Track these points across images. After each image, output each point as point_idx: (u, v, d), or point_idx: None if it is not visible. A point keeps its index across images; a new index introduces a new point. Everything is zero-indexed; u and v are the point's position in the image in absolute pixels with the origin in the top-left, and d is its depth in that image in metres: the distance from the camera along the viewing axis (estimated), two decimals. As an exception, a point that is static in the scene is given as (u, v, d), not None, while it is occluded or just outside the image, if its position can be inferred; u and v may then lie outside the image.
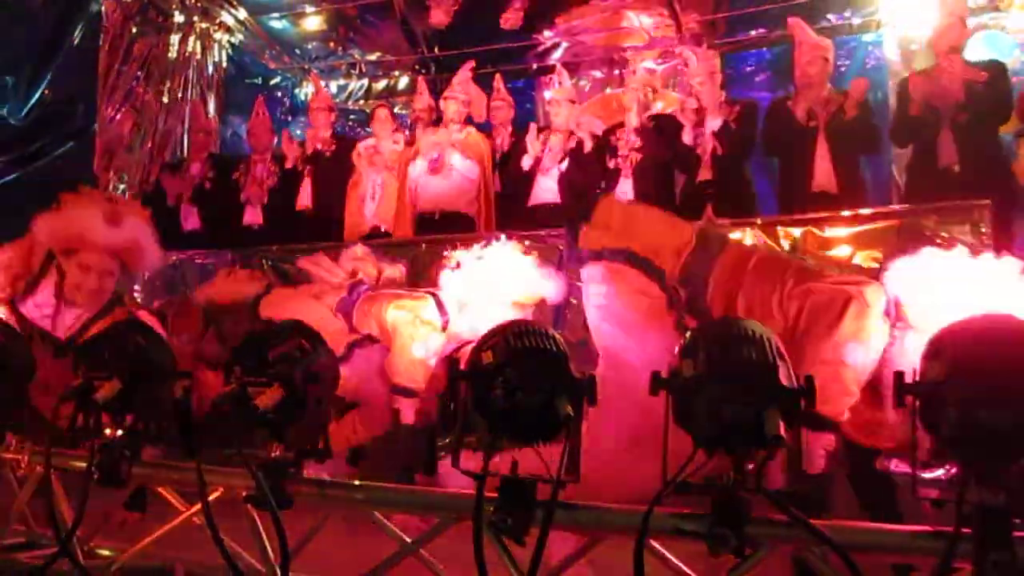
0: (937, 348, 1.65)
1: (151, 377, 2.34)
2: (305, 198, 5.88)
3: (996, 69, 4.35)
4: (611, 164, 5.13)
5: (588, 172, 5.22)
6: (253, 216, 6.00)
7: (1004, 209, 3.97)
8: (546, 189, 5.31)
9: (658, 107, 6.08)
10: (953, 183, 4.18)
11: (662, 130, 5.17)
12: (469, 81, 5.79)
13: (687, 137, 4.92)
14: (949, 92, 4.19)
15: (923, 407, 1.62)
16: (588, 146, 5.24)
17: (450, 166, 5.43)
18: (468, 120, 5.72)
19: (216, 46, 7.87)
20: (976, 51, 5.48)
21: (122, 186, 6.86)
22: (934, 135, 4.29)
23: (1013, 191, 4.25)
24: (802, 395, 1.68)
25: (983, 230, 3.78)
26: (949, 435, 1.57)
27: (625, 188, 5.02)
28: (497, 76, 6.04)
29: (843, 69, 6.45)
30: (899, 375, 1.64)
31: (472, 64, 5.84)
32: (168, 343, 2.56)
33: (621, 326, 2.96)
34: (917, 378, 1.63)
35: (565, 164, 5.26)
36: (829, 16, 6.75)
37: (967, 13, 4.34)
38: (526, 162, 5.32)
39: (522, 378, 1.83)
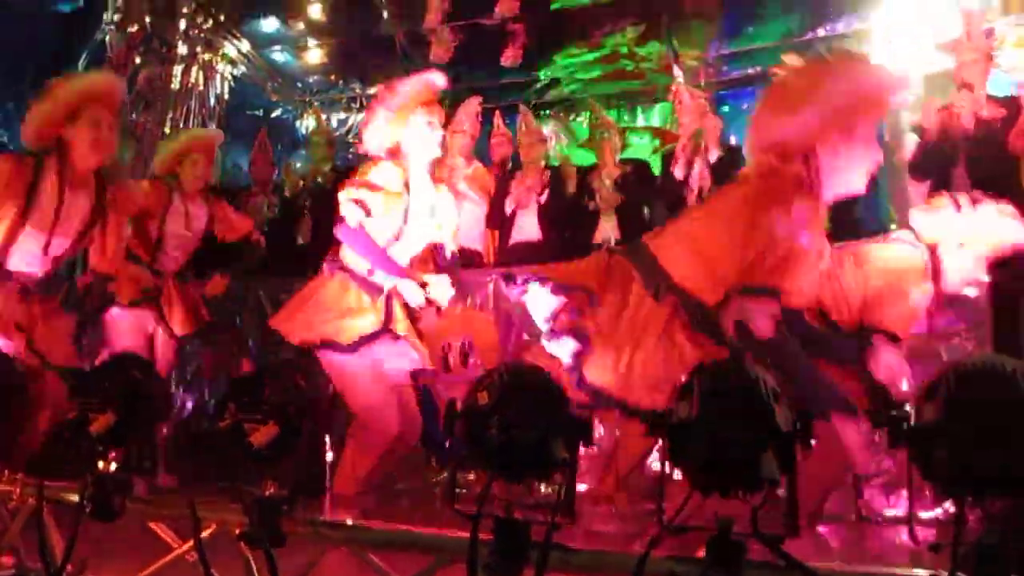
0: (933, 390, 1.66)
1: (146, 411, 2.33)
2: (305, 231, 5.90)
3: (1014, 106, 4.36)
4: (590, 205, 5.18)
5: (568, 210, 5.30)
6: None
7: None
8: (527, 225, 5.34)
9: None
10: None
11: (637, 175, 5.27)
12: (475, 115, 5.80)
13: (679, 172, 5.00)
14: (965, 127, 4.20)
15: (919, 449, 1.63)
16: (571, 186, 5.32)
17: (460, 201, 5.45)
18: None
19: (219, 77, 7.94)
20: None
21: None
22: (949, 169, 4.29)
23: None
24: (798, 438, 1.68)
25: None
26: (946, 476, 1.58)
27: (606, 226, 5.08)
28: (497, 112, 6.08)
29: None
30: (894, 419, 1.65)
31: (479, 99, 5.88)
32: (163, 379, 2.56)
33: None
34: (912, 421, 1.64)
35: (544, 198, 5.30)
36: (822, 52, 6.82)
37: (992, 49, 4.35)
38: (508, 206, 5.36)
39: (518, 417, 1.83)
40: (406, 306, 3.40)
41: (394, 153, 3.43)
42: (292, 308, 3.47)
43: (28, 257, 3.35)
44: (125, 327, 4.42)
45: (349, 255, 3.43)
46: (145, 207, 4.33)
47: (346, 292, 3.36)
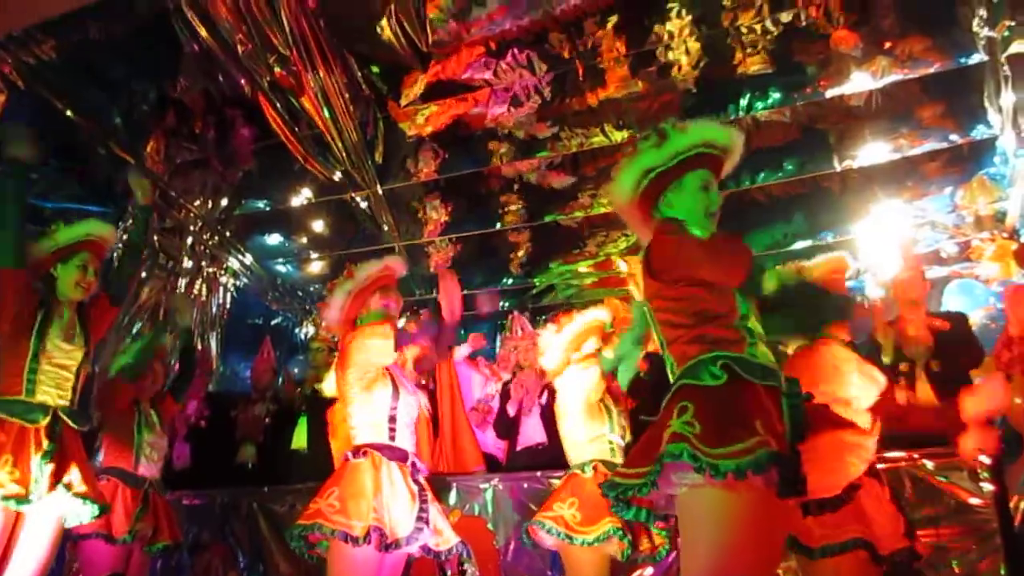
0: None
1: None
2: (300, 438, 5.86)
3: (957, 319, 4.48)
4: None
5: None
6: (246, 455, 5.94)
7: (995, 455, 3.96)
8: (531, 429, 5.31)
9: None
10: (936, 429, 4.17)
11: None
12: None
13: None
14: (918, 340, 4.28)
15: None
16: None
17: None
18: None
19: (221, 289, 8.15)
20: (952, 299, 5.74)
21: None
22: (912, 382, 4.33)
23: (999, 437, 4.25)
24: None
25: (983, 475, 3.77)
26: None
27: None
28: (517, 316, 6.18)
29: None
30: None
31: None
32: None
33: None
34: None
35: (544, 400, 5.30)
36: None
37: (921, 273, 4.53)
38: (511, 409, 5.36)
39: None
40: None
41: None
42: None
43: None
44: (108, 556, 4.30)
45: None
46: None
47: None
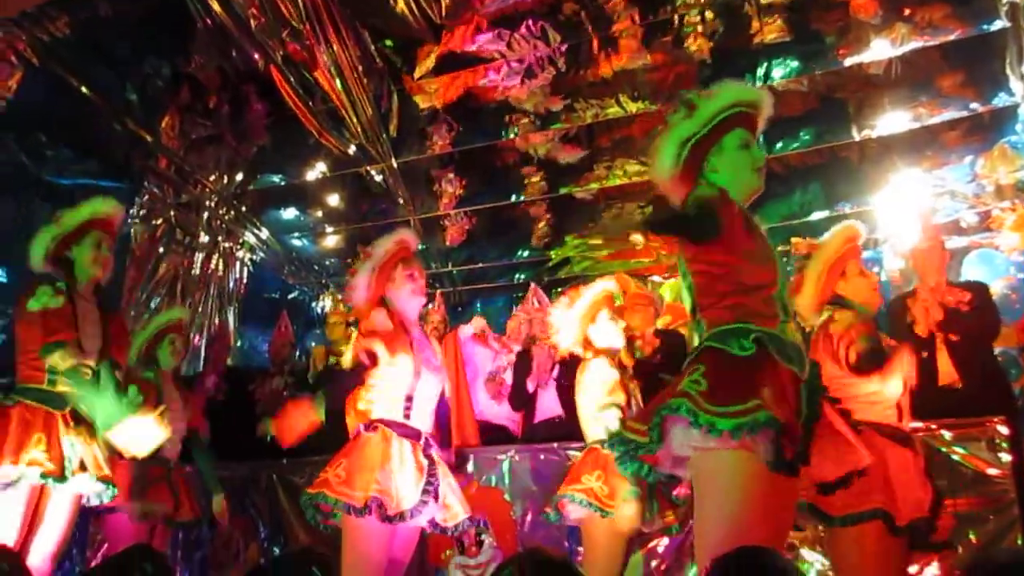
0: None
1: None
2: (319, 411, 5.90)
3: (977, 289, 4.44)
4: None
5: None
6: (267, 429, 5.99)
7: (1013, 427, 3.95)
8: (547, 402, 5.33)
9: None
10: (956, 401, 4.15)
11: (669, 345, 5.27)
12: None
13: None
14: (935, 313, 4.25)
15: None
16: None
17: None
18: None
19: (238, 264, 8.20)
20: (971, 269, 5.67)
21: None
22: (932, 354, 4.30)
23: (1017, 410, 4.23)
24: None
25: (1001, 445, 3.76)
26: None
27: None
28: (535, 288, 6.17)
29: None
30: None
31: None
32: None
33: None
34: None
35: (556, 373, 5.32)
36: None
37: (941, 243, 4.48)
38: (530, 385, 5.37)
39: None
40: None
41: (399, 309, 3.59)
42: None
43: None
44: (130, 529, 4.39)
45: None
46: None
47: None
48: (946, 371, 4.17)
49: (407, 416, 3.44)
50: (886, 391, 3.26)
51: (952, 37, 5.47)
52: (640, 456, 2.36)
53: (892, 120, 6.03)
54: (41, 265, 3.59)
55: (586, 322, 4.11)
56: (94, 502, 3.60)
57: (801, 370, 2.29)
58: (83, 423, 3.49)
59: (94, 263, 3.62)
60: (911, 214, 5.34)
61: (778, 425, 2.12)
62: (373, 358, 3.42)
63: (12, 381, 3.54)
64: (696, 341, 2.42)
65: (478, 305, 8.23)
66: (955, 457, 3.82)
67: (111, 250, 3.69)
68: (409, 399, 3.46)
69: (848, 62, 5.80)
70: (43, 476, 3.29)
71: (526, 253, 7.80)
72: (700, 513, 2.29)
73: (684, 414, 2.16)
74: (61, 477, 3.32)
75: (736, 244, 2.35)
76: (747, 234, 2.38)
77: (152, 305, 7.18)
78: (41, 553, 3.41)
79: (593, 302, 4.14)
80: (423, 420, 3.50)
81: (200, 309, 7.66)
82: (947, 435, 3.89)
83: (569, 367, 5.22)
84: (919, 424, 3.85)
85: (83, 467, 3.42)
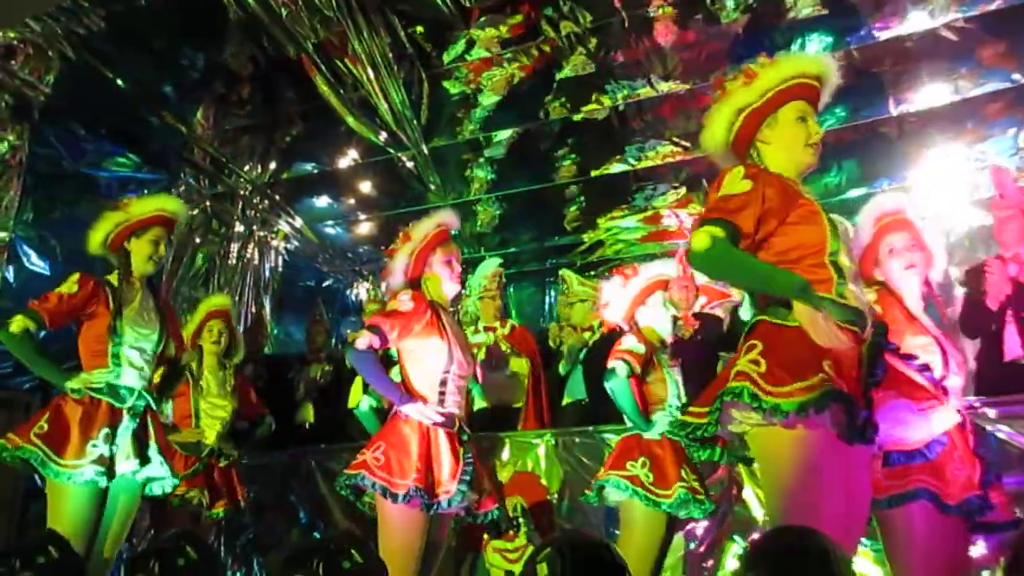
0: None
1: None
2: (356, 397, 5.95)
3: None
4: None
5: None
6: (306, 416, 6.07)
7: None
8: (575, 385, 5.32)
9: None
10: (1021, 379, 4.02)
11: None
12: (493, 277, 5.85)
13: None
14: (1004, 287, 4.12)
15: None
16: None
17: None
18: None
19: (273, 252, 8.27)
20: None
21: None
22: (1000, 328, 4.20)
23: None
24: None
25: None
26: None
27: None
28: (570, 273, 6.15)
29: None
30: None
31: (498, 261, 6.02)
32: (216, 558, 2.55)
33: None
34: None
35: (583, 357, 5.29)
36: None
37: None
38: (563, 368, 5.36)
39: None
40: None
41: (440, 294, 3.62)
42: None
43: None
44: (175, 516, 4.47)
45: None
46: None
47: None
48: (1013, 346, 4.07)
49: (441, 402, 3.45)
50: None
51: (992, 7, 5.33)
52: (702, 439, 2.35)
53: (931, 93, 5.89)
54: (99, 249, 3.71)
55: (637, 303, 4.08)
56: (156, 492, 3.69)
57: (860, 328, 2.25)
58: (148, 411, 3.58)
59: (148, 260, 3.69)
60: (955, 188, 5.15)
61: (845, 397, 2.09)
62: (381, 334, 3.39)
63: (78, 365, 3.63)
64: (748, 316, 2.40)
65: (511, 289, 8.22)
66: (1000, 435, 3.75)
67: (167, 250, 3.78)
68: (444, 383, 3.47)
69: (884, 36, 5.68)
70: (101, 470, 3.37)
71: (558, 237, 7.78)
72: (770, 493, 2.27)
73: (747, 400, 2.13)
74: (135, 471, 3.49)
75: (773, 219, 2.30)
76: (786, 206, 2.32)
77: (189, 294, 7.27)
78: (108, 539, 3.50)
79: (648, 284, 4.10)
80: (456, 404, 3.51)
81: (236, 298, 7.74)
82: (991, 412, 3.81)
83: (593, 352, 5.22)
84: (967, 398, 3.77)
85: (147, 457, 3.51)
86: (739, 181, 2.33)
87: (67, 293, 3.53)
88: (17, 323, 3.44)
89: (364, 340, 3.35)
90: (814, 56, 2.56)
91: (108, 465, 3.38)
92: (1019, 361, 4.12)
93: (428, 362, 3.46)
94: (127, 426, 3.46)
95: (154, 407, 3.67)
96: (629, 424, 3.92)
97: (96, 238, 3.69)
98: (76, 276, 3.61)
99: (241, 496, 4.87)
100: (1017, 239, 4.21)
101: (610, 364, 3.83)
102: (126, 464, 3.43)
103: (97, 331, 3.54)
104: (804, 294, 2.18)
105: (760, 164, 2.46)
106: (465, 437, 3.47)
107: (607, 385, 3.79)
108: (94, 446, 3.38)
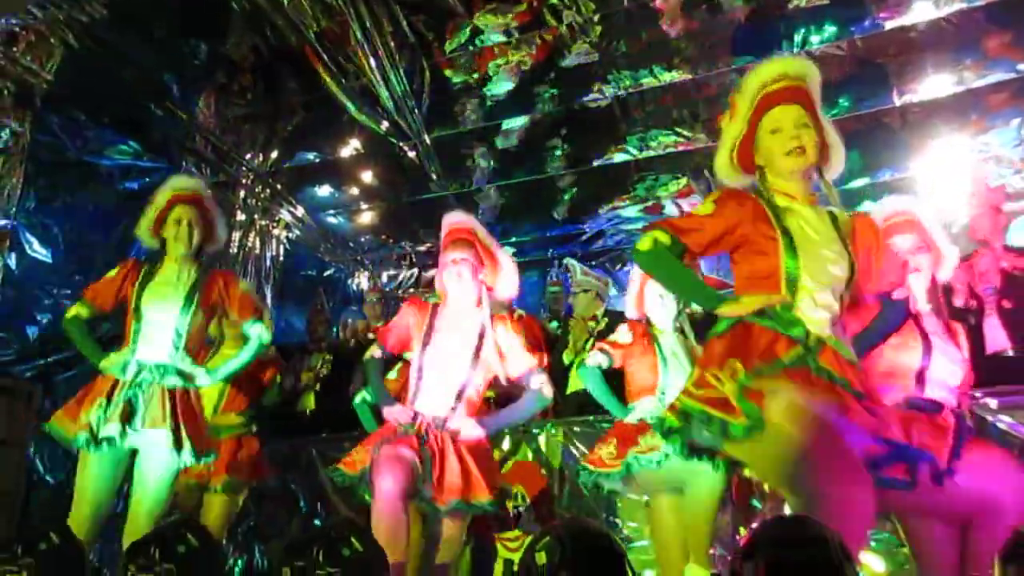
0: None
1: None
2: (357, 386, 5.96)
3: None
4: None
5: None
6: (304, 405, 6.07)
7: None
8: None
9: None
10: (1005, 370, 4.05)
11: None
12: None
13: None
14: (988, 279, 4.16)
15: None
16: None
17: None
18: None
19: (274, 241, 8.27)
20: (1018, 235, 5.54)
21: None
22: (979, 322, 4.21)
23: None
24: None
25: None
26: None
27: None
28: (573, 263, 6.14)
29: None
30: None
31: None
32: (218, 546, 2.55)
33: None
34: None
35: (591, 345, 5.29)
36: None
37: (1003, 201, 4.36)
38: (567, 357, 5.36)
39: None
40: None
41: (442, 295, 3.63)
42: None
43: None
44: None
45: None
46: None
47: None
48: (996, 338, 4.08)
49: (413, 401, 3.42)
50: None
51: (997, -4, 5.32)
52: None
53: (935, 84, 5.89)
54: (150, 244, 3.85)
55: (641, 292, 4.05)
56: (180, 466, 3.62)
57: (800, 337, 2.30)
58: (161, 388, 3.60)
59: (176, 239, 3.74)
60: (964, 180, 5.20)
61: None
62: (383, 340, 3.58)
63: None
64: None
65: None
66: (1001, 426, 3.75)
67: (197, 223, 3.77)
68: (417, 383, 3.46)
69: (889, 25, 5.66)
70: (86, 436, 3.42)
71: (559, 226, 7.78)
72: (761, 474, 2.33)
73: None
74: (116, 438, 3.46)
75: (732, 242, 2.44)
76: (747, 233, 2.42)
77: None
78: (141, 512, 3.51)
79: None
80: (433, 405, 3.45)
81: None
82: (992, 403, 3.81)
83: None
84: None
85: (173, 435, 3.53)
86: (706, 204, 2.48)
87: (110, 277, 3.72)
88: (70, 311, 3.69)
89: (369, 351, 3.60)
90: (771, 60, 2.58)
91: (91, 431, 3.42)
92: (1001, 353, 4.13)
93: (413, 364, 3.50)
94: (124, 394, 3.48)
95: (184, 383, 3.62)
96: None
97: (143, 237, 3.83)
98: (127, 261, 3.83)
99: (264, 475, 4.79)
100: (993, 235, 4.24)
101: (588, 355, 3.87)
102: (108, 428, 3.44)
103: (127, 311, 3.67)
104: (722, 307, 2.39)
105: (766, 182, 2.53)
106: (424, 437, 3.39)
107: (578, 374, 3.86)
108: (87, 414, 3.47)
